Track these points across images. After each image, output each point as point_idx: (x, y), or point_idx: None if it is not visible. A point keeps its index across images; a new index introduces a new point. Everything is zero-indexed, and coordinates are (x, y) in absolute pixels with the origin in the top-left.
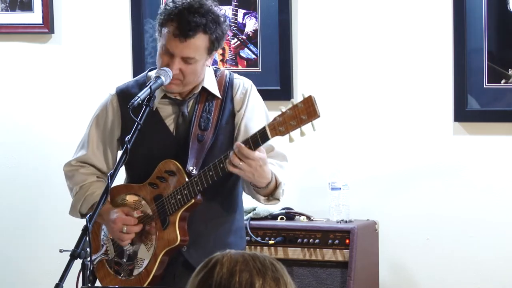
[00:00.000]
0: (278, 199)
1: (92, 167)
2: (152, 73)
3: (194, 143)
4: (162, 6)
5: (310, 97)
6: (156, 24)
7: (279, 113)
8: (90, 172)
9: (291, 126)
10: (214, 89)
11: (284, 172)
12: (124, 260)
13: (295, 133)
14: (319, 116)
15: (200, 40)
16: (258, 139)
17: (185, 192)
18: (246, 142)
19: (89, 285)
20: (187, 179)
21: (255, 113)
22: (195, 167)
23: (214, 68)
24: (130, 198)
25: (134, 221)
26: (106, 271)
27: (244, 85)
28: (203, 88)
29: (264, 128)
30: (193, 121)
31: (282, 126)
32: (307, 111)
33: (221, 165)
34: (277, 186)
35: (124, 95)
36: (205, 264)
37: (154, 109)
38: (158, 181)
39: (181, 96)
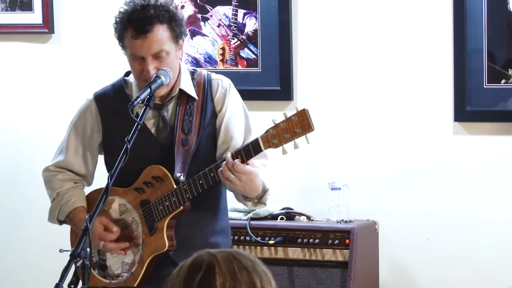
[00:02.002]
0: (265, 204)
1: (70, 172)
2: (130, 78)
3: (179, 148)
4: (114, 26)
5: (304, 110)
6: (117, 42)
7: (272, 125)
8: (67, 178)
9: (284, 139)
10: (191, 90)
11: (267, 172)
12: (109, 264)
13: (289, 146)
14: (313, 130)
15: (160, 31)
16: (250, 151)
17: (174, 199)
18: (238, 153)
19: (86, 285)
20: (175, 186)
21: (235, 112)
22: (182, 173)
23: (192, 70)
24: (115, 202)
25: (112, 237)
26: (92, 274)
27: (223, 85)
28: (182, 91)
29: (257, 140)
30: (176, 125)
31: (275, 138)
32: (301, 124)
33: (212, 174)
34: (265, 192)
35: (102, 100)
36: (195, 266)
37: (134, 115)
38: (144, 186)
39: (160, 100)
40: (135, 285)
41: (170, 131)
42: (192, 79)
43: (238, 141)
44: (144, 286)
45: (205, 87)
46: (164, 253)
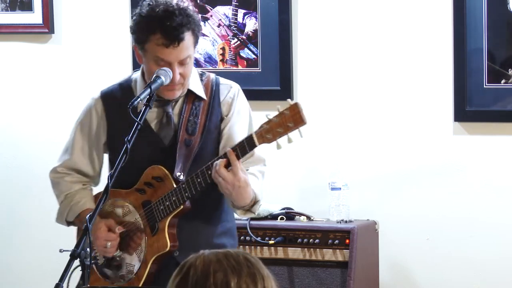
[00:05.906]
0: (254, 213)
1: (78, 173)
2: (136, 75)
3: (182, 148)
4: (132, 22)
5: (296, 104)
6: (133, 39)
7: (266, 120)
8: (75, 180)
9: (278, 133)
10: (200, 91)
11: (262, 182)
12: (113, 265)
13: (283, 140)
14: (305, 123)
15: (189, 38)
16: (245, 147)
17: (174, 198)
18: (233, 149)
19: (86, 285)
20: (175, 185)
21: (240, 117)
22: (182, 173)
23: (200, 72)
24: (118, 204)
25: (116, 238)
26: (96, 276)
27: (231, 90)
28: (189, 91)
29: (251, 135)
30: (180, 125)
31: (269, 133)
32: (293, 118)
33: (209, 172)
34: (255, 202)
35: (108, 98)
36: (179, 268)
37: (139, 111)
38: (145, 187)
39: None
40: (139, 285)
41: (174, 129)
42: (201, 80)
43: None
44: (148, 287)
45: (212, 90)
46: (167, 253)
